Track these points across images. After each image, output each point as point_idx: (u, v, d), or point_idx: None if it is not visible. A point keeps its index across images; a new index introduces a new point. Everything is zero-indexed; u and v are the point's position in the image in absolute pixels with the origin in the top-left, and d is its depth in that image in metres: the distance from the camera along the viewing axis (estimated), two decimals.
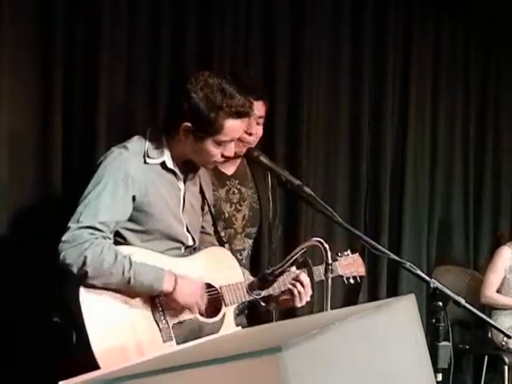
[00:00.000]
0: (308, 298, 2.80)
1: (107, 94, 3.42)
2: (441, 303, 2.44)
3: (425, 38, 5.03)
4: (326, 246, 2.26)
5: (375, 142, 4.76)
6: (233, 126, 2.55)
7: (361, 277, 3.12)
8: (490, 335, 4.74)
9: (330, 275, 2.28)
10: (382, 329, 1.71)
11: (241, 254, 3.09)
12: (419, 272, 2.48)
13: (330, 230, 4.39)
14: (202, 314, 2.60)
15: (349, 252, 3.07)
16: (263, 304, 2.85)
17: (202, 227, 2.85)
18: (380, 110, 4.76)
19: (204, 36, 3.81)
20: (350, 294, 4.38)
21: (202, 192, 2.81)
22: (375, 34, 4.71)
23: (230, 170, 3.08)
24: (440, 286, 2.45)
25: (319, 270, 2.80)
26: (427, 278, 2.48)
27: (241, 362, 1.33)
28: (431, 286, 2.44)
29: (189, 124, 2.53)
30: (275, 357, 1.31)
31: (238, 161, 3.11)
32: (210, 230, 2.88)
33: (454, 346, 4.87)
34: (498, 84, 5.44)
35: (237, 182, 3.14)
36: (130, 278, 2.42)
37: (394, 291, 4.70)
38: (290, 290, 2.80)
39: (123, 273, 2.42)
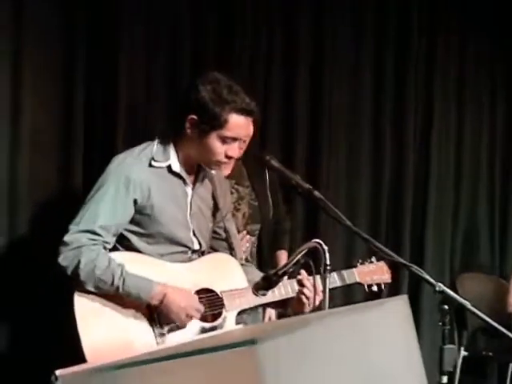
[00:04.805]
0: (317, 302, 2.71)
1: (127, 96, 3.50)
2: (447, 306, 2.43)
3: (449, 48, 5.00)
4: (325, 247, 2.28)
5: (398, 148, 4.76)
6: (237, 122, 2.56)
7: (386, 284, 3.08)
8: None
9: (329, 275, 2.29)
10: (370, 327, 1.73)
11: (245, 251, 3.14)
12: (425, 275, 2.46)
13: (351, 238, 4.41)
14: (202, 319, 2.61)
15: (373, 259, 3.05)
16: (280, 309, 2.86)
17: (216, 233, 2.87)
18: (403, 119, 4.76)
19: (224, 39, 3.88)
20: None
21: (214, 198, 2.83)
22: (398, 45, 4.71)
23: (225, 171, 3.12)
24: (446, 290, 2.43)
25: (334, 278, 2.83)
26: (433, 281, 2.46)
27: (216, 354, 1.37)
28: (437, 289, 2.42)
29: (195, 116, 2.56)
30: (250, 349, 1.35)
31: (233, 162, 3.14)
32: (224, 236, 2.89)
33: (478, 354, 4.87)
34: None
35: (233, 182, 3.19)
36: (118, 287, 2.47)
37: (415, 301, 4.67)
38: (299, 296, 2.78)
39: (113, 281, 2.47)
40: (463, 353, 4.85)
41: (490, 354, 4.91)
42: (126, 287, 2.48)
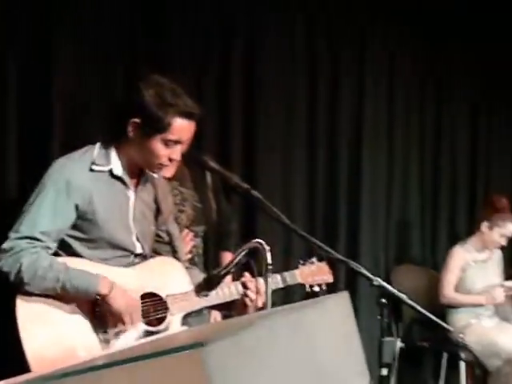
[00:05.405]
0: (260, 304, 2.74)
1: (62, 98, 3.49)
2: (385, 300, 2.47)
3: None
4: (267, 247, 2.32)
5: (331, 145, 4.86)
6: (181, 126, 2.56)
7: (327, 284, 3.09)
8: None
9: (271, 275, 2.33)
10: (312, 325, 1.76)
11: (191, 252, 3.16)
12: (363, 270, 2.51)
13: (289, 239, 4.50)
14: (147, 324, 2.61)
15: (314, 260, 3.07)
16: (225, 311, 2.87)
17: (159, 236, 2.87)
18: (336, 111, 4.86)
19: (159, 38, 3.91)
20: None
21: (156, 201, 2.82)
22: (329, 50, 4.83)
23: (169, 172, 3.13)
24: (383, 284, 2.49)
25: (276, 279, 2.85)
26: (371, 275, 2.51)
27: (163, 358, 1.38)
28: (374, 283, 2.47)
29: (138, 120, 2.55)
30: (198, 352, 1.37)
31: (175, 164, 3.15)
32: (167, 239, 2.89)
33: (414, 344, 5.00)
34: (452, 86, 5.54)
35: (176, 183, 3.21)
36: (64, 283, 2.45)
37: (351, 296, 4.75)
38: (242, 298, 2.79)
39: (58, 278, 2.45)
40: (400, 344, 5.00)
41: (426, 344, 5.04)
42: (73, 282, 2.46)
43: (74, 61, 3.56)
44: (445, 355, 4.97)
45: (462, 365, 4.76)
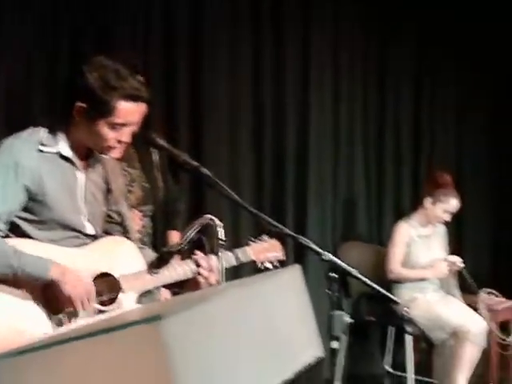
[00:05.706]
0: (213, 281, 2.74)
1: (3, 82, 3.43)
2: (335, 274, 2.50)
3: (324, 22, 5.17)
4: (218, 222, 2.32)
5: (278, 126, 4.91)
6: (126, 109, 2.52)
7: (279, 261, 3.10)
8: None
9: (224, 251, 2.34)
10: (266, 297, 1.80)
11: (140, 232, 3.15)
12: (312, 245, 2.53)
13: (237, 217, 4.52)
14: (100, 303, 2.59)
15: (265, 237, 3.07)
16: (175, 289, 2.88)
17: (110, 216, 2.84)
18: (281, 94, 4.90)
19: (103, 18, 3.88)
20: None
21: (106, 182, 2.80)
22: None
23: (117, 154, 3.11)
24: (333, 258, 2.51)
25: (229, 256, 2.85)
26: (320, 250, 2.53)
27: (122, 332, 1.39)
28: (323, 258, 2.49)
29: (82, 104, 2.51)
30: (155, 325, 1.39)
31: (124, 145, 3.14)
32: (118, 219, 2.87)
33: (362, 319, 5.07)
34: (395, 58, 5.60)
35: (124, 164, 3.19)
36: (15, 268, 2.43)
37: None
38: (195, 276, 2.78)
39: (8, 262, 2.43)
40: (348, 319, 5.05)
41: (373, 318, 5.12)
42: (24, 267, 2.43)
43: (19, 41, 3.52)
44: (391, 329, 5.07)
45: (408, 338, 4.85)
